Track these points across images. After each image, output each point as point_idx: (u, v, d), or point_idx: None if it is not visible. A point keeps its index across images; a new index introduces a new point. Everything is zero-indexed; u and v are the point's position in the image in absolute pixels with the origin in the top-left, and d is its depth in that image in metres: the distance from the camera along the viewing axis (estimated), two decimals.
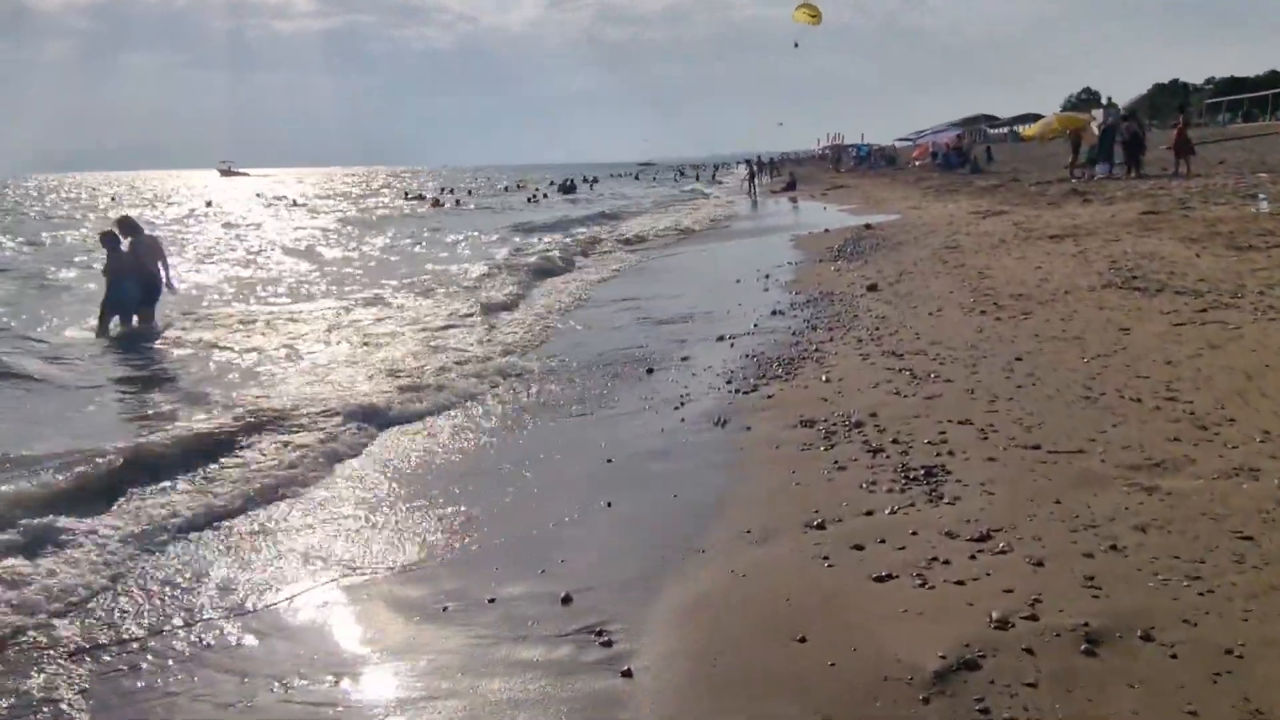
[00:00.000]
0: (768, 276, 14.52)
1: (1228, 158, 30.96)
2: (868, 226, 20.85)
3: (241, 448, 6.90)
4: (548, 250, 22.07)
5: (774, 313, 11.18)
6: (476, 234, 29.83)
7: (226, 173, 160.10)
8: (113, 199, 69.70)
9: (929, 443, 5.70)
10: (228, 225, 38.70)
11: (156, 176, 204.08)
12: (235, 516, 5.64)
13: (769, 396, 7.37)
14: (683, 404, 7.51)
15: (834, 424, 6.37)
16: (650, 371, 8.85)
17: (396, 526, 5.41)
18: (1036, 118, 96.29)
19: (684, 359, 9.21)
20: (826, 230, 21.42)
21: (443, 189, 69.33)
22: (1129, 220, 16.54)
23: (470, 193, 64.20)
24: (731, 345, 9.62)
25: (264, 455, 6.70)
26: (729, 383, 7.99)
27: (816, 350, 8.77)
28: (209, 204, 56.26)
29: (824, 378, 7.66)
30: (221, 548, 5.20)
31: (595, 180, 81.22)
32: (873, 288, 11.94)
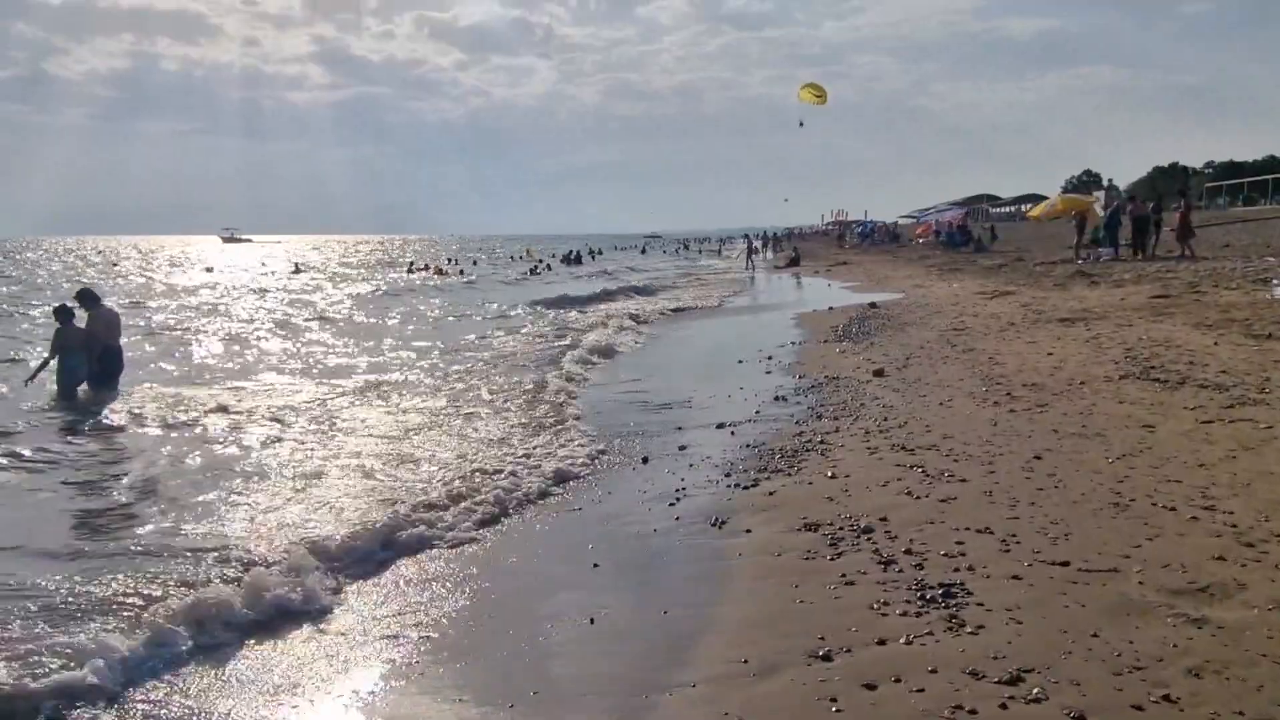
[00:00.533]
0: (770, 358, 14.11)
1: (1232, 241, 30.80)
2: (872, 305, 20.54)
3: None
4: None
5: (777, 398, 10.73)
6: (479, 310, 29.57)
7: (230, 239, 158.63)
8: (114, 264, 69.82)
9: (946, 554, 5.19)
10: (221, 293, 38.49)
11: (164, 241, 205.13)
12: None
13: (770, 493, 6.88)
14: (678, 499, 7.02)
15: (841, 529, 5.86)
16: (645, 461, 8.37)
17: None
18: (1038, 198, 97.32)
19: (681, 448, 8.73)
20: (830, 308, 21.11)
21: (449, 259, 69.69)
22: (1139, 304, 16.19)
23: (475, 263, 64.38)
24: (732, 433, 9.15)
25: None
26: (728, 475, 7.51)
27: (821, 442, 8.29)
28: (209, 270, 56.40)
29: (829, 473, 7.17)
30: None
31: (600, 251, 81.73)
32: (879, 373, 11.51)
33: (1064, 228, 41.34)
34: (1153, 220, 28.38)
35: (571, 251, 66.78)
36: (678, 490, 7.22)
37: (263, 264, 67.33)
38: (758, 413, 10.04)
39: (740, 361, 14.17)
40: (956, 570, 4.96)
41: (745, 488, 7.10)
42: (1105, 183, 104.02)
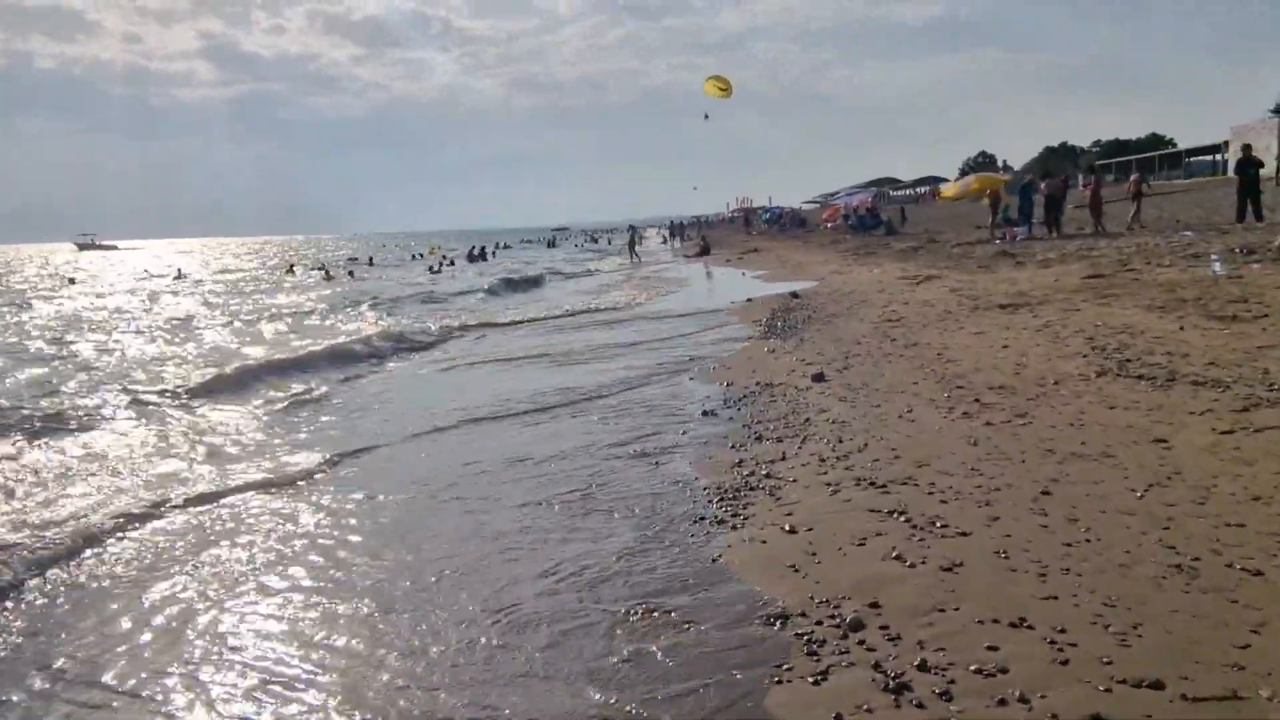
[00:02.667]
0: (690, 359, 12.53)
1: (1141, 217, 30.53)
2: (794, 295, 19.17)
3: None
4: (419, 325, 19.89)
5: (704, 413, 9.12)
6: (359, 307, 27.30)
7: (86, 246, 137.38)
8: None
9: (979, 671, 3.62)
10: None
11: (19, 249, 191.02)
12: None
13: (713, 559, 5.23)
14: (585, 580, 5.28)
15: (818, 622, 4.25)
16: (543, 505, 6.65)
17: None
18: (938, 179, 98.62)
19: (581, 495, 7.02)
20: (750, 300, 19.72)
21: (350, 258, 66.52)
22: (1075, 286, 15.12)
23: (372, 262, 61.33)
24: (655, 465, 7.49)
25: None
26: (652, 536, 5.83)
27: (767, 475, 6.70)
28: (72, 281, 52.17)
29: (785, 524, 5.57)
30: None
31: (507, 246, 79.43)
32: (819, 378, 10.00)
33: (971, 208, 41.11)
34: (1060, 195, 27.96)
35: (475, 248, 64.39)
36: (583, 566, 5.47)
37: (146, 271, 62.98)
38: (684, 433, 8.41)
39: (659, 365, 12.55)
40: (1003, 703, 3.39)
41: (677, 557, 5.43)
42: (1000, 163, 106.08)
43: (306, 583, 5.49)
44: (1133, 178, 28.34)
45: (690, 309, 20.24)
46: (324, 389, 12.46)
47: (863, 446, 7.08)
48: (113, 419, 10.65)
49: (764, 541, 5.37)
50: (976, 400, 8.13)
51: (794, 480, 6.48)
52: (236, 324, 23.08)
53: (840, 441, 7.32)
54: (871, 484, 6.11)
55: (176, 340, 19.90)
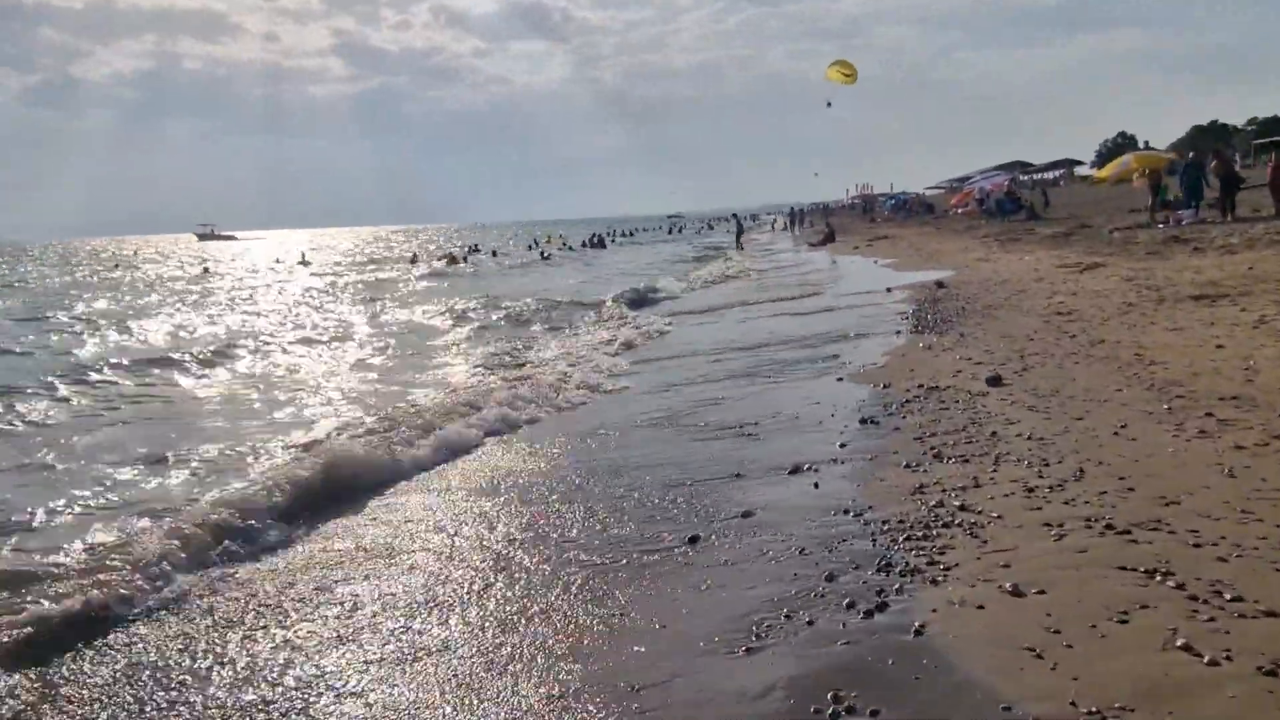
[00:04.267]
0: (835, 357, 11.23)
1: None
2: (939, 284, 17.54)
3: None
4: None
5: (864, 420, 7.86)
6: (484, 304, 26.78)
7: (206, 236, 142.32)
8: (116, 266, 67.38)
9: None
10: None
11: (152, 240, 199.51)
12: None
13: (916, 629, 4.00)
14: (756, 642, 4.15)
15: None
16: (694, 541, 5.53)
17: None
18: (1073, 163, 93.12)
19: (745, 515, 5.89)
20: (889, 290, 18.16)
21: (473, 247, 67.10)
22: (1279, 274, 13.14)
23: (495, 254, 61.55)
24: (816, 485, 6.30)
25: None
26: (829, 578, 4.65)
27: (962, 507, 5.41)
28: (206, 270, 53.89)
29: (1006, 584, 4.29)
30: None
31: (630, 234, 78.70)
32: (996, 380, 8.59)
33: (1121, 191, 38.05)
34: (1234, 173, 25.26)
35: (594, 236, 63.86)
36: (752, 628, 4.32)
37: (278, 260, 64.80)
38: (843, 446, 7.18)
39: (797, 364, 11.31)
40: None
41: (866, 613, 4.24)
42: (1142, 144, 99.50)
43: None
44: (1270, 162, 25.36)
45: (817, 296, 18.87)
46: None
47: (1078, 473, 5.71)
48: None
49: (980, 607, 4.12)
50: (1209, 415, 6.62)
51: (998, 516, 5.19)
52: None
53: (1046, 465, 5.96)
54: (1109, 527, 4.77)
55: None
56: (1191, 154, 29.26)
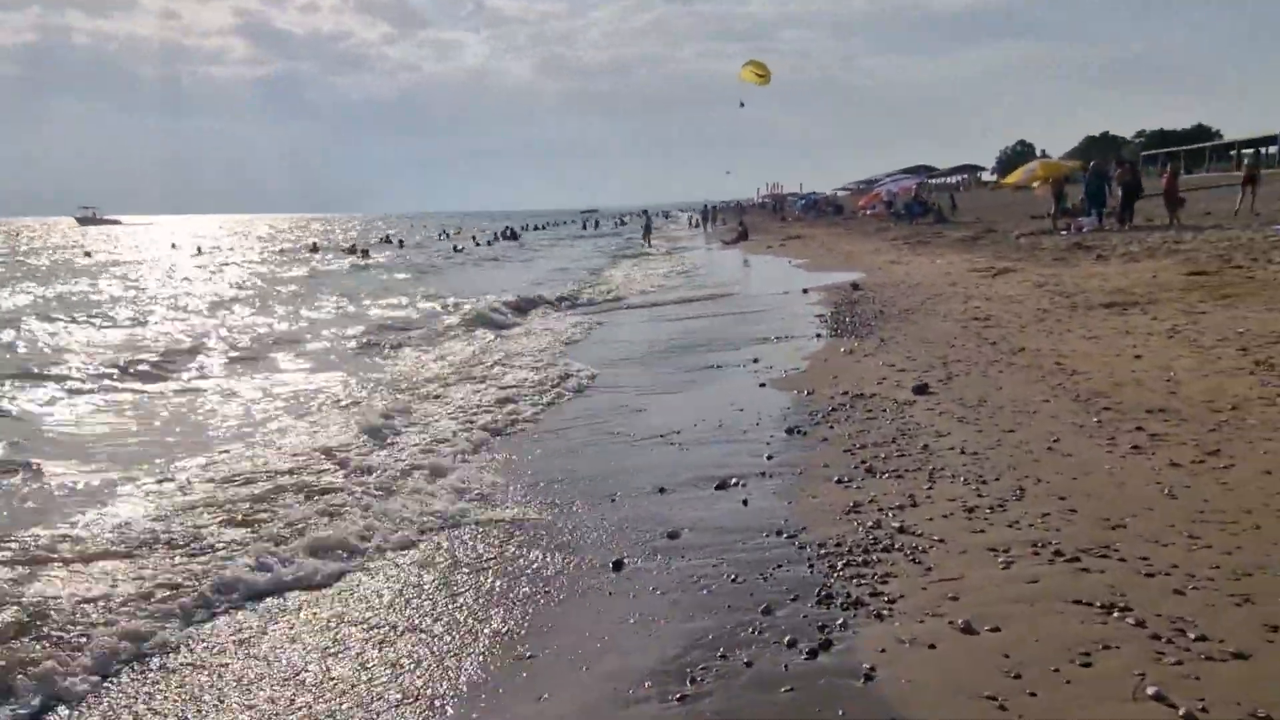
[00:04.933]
0: (756, 360, 10.95)
1: (1213, 208, 28.50)
2: (855, 286, 17.53)
3: None
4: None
5: (790, 430, 7.56)
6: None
7: (87, 221, 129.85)
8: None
9: None
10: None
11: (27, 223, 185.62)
12: None
13: (865, 678, 3.66)
14: (675, 700, 3.76)
15: None
16: (617, 567, 5.11)
17: None
18: (977, 168, 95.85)
19: (671, 536, 5.50)
20: (805, 290, 18.07)
21: (385, 238, 65.34)
22: (1182, 284, 13.41)
23: (402, 244, 59.95)
24: (745, 503, 5.95)
25: None
26: (765, 610, 4.29)
27: (901, 529, 5.12)
28: (88, 254, 51.13)
29: (957, 619, 3.98)
30: None
31: (539, 227, 77.78)
32: (922, 389, 8.40)
33: (1023, 197, 39.09)
34: (1136, 182, 26.12)
35: (506, 229, 62.86)
36: (686, 670, 3.92)
37: (173, 245, 61.80)
38: (770, 459, 6.86)
39: (717, 367, 11.01)
40: None
41: (809, 653, 3.88)
42: (1039, 152, 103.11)
43: None
44: (1246, 163, 26.45)
45: (733, 296, 18.69)
46: None
47: (1018, 492, 5.49)
48: None
49: (932, 646, 3.80)
50: (1139, 429, 6.51)
51: (940, 540, 4.91)
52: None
53: (984, 483, 5.73)
54: (1057, 554, 4.52)
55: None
56: (1093, 162, 30.15)
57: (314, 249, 52.35)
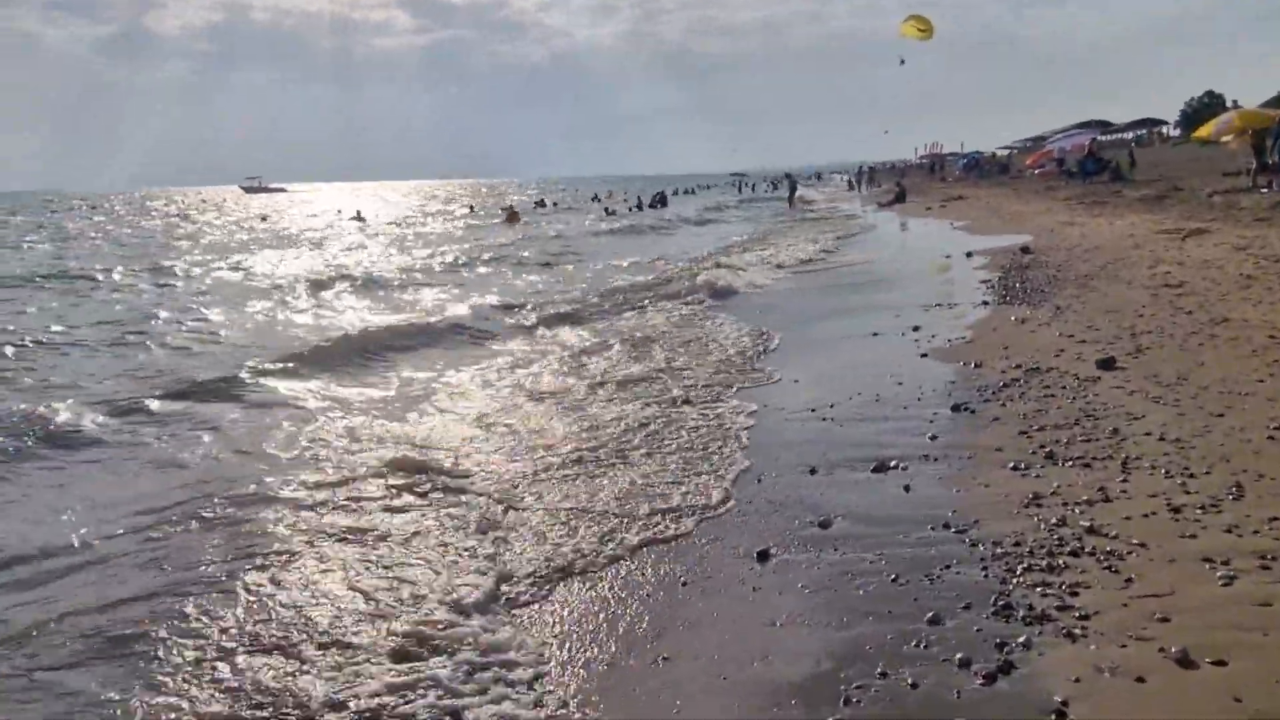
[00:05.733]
0: (917, 329, 10.17)
1: None
2: (1024, 250, 16.24)
3: None
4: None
5: (956, 407, 6.88)
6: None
7: (253, 190, 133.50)
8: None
9: None
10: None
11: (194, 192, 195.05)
12: None
13: (1053, 712, 3.09)
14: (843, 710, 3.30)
15: None
16: (763, 558, 4.66)
17: None
18: (1157, 122, 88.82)
19: (821, 524, 5.00)
20: (969, 254, 16.90)
21: (539, 202, 66.22)
22: None
23: (555, 204, 60.72)
24: (906, 489, 5.37)
25: None
26: (933, 621, 3.76)
27: (1090, 529, 4.45)
28: (263, 219, 53.85)
29: (1166, 645, 3.35)
30: None
31: (690, 191, 77.02)
32: (1108, 364, 7.51)
33: (1211, 152, 35.70)
34: None
35: (659, 194, 62.48)
36: (840, 687, 3.45)
37: (339, 212, 64.42)
38: (934, 439, 6.22)
39: (874, 335, 10.30)
40: None
41: (987, 677, 3.34)
42: (1230, 104, 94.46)
43: None
44: None
45: (892, 261, 17.72)
46: None
47: (1234, 490, 4.69)
48: None
49: (1140, 680, 3.18)
50: None
51: (1141, 545, 4.22)
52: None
53: (1191, 476, 4.95)
54: None
55: None
56: None
57: (471, 210, 53.37)
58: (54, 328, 13.44)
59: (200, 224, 53.04)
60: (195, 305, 16.37)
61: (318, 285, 19.17)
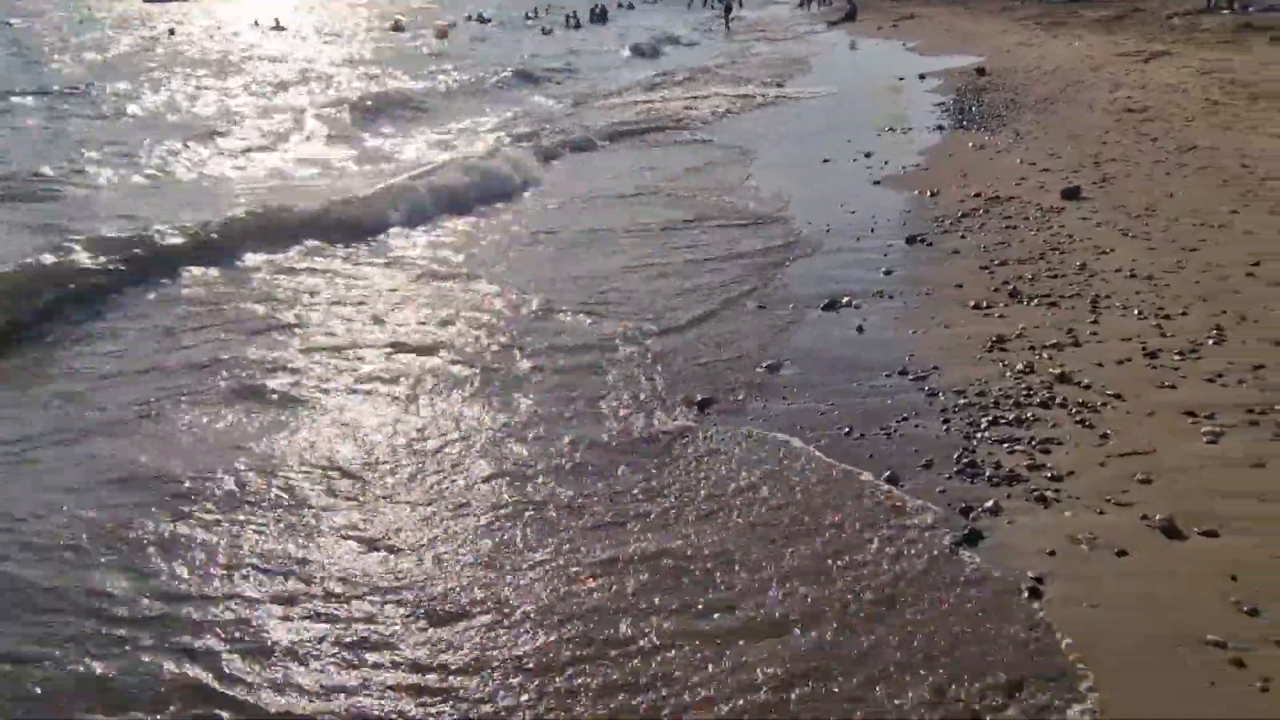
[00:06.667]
0: (868, 156, 9.53)
1: None
2: (980, 72, 15.46)
3: None
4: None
5: (911, 239, 6.39)
6: None
7: None
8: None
9: None
10: None
11: None
12: None
13: (1025, 589, 2.75)
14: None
15: None
16: (703, 407, 4.20)
17: None
18: None
19: (770, 368, 4.54)
20: (922, 76, 16.07)
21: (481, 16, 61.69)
22: None
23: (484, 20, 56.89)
24: (860, 330, 4.92)
25: None
26: (883, 487, 3.37)
27: (1059, 373, 4.07)
28: (171, 32, 49.77)
29: (1149, 512, 3.01)
30: None
31: (630, 6, 72.83)
32: (1073, 193, 7.04)
33: None
34: None
35: (596, 7, 58.87)
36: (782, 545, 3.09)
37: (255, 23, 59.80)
38: (889, 273, 5.76)
39: (825, 161, 9.65)
40: None
41: (951, 546, 2.97)
42: None
43: None
44: None
45: (845, 96, 16.81)
46: None
47: (1215, 333, 4.32)
48: None
49: (1122, 553, 2.83)
50: None
51: (1116, 397, 3.84)
52: None
53: (1167, 318, 4.57)
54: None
55: None
56: None
57: (397, 27, 50.05)
58: None
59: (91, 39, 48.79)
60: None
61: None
